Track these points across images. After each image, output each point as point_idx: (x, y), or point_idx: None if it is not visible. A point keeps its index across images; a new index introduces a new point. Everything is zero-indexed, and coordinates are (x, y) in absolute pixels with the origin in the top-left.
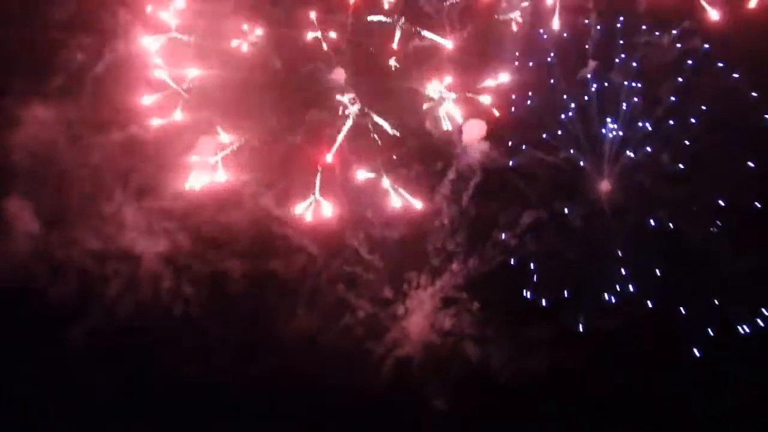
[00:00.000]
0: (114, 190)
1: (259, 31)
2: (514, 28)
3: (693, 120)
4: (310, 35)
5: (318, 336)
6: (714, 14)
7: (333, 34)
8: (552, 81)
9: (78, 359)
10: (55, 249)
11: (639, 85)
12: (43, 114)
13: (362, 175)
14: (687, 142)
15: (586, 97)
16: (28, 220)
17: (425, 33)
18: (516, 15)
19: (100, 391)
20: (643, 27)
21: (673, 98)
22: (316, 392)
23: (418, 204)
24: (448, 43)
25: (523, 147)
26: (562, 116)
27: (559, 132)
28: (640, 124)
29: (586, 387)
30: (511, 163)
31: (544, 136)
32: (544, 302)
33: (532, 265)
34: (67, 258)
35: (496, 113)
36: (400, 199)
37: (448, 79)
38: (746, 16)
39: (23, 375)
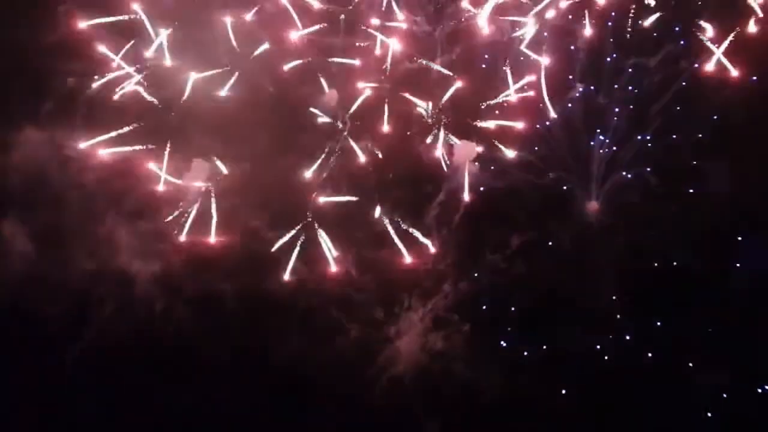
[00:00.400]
0: (107, 213)
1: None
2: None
3: (680, 139)
4: (303, 59)
5: (310, 357)
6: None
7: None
8: (541, 103)
9: (71, 381)
10: (48, 270)
11: (632, 97)
12: (36, 137)
13: (352, 198)
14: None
15: (575, 118)
16: (21, 242)
17: (431, 64)
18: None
19: (93, 412)
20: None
21: (661, 118)
22: (308, 413)
23: (431, 247)
24: (449, 72)
25: (513, 168)
26: (551, 137)
27: (548, 153)
28: (637, 137)
29: (577, 409)
30: (500, 184)
31: (533, 157)
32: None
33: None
34: (60, 279)
35: (510, 154)
36: (410, 242)
37: (441, 101)
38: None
39: (15, 397)
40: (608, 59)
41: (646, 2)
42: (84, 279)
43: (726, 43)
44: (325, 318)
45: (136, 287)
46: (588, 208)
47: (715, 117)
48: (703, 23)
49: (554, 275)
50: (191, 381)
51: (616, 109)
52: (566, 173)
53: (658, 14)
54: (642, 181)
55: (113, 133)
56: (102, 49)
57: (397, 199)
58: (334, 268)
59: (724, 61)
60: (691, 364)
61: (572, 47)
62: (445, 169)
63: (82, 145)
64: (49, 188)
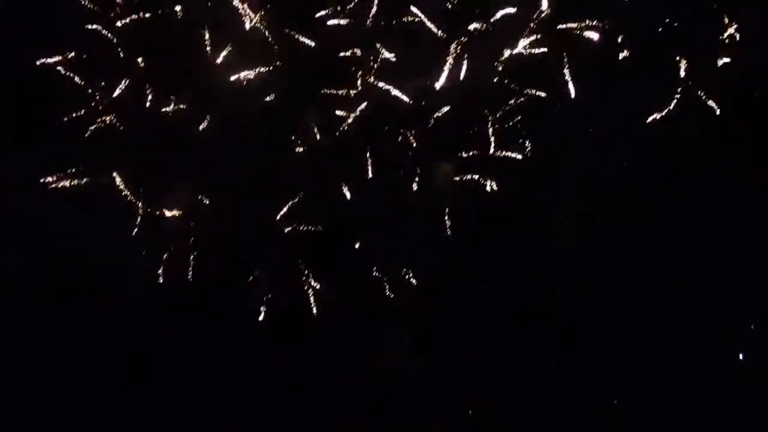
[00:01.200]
0: (87, 232)
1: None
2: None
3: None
4: (284, 88)
5: (297, 377)
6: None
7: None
8: (517, 129)
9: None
10: (36, 288)
11: (607, 122)
12: (9, 166)
13: (332, 227)
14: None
15: (551, 141)
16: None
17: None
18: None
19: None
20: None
21: (636, 143)
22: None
23: (412, 278)
24: (425, 101)
25: (492, 192)
26: (529, 161)
27: (527, 176)
28: (614, 160)
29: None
30: (479, 209)
31: (511, 180)
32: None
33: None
34: (47, 298)
35: (489, 179)
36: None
37: (420, 129)
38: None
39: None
40: (582, 87)
41: (614, 36)
42: (69, 298)
43: (698, 76)
44: (302, 342)
45: (122, 307)
46: (566, 228)
47: (691, 144)
48: (676, 56)
49: (535, 299)
50: (181, 399)
51: (590, 131)
52: (544, 195)
53: (629, 51)
54: (622, 203)
55: (88, 163)
56: (77, 80)
57: (376, 228)
58: (312, 298)
59: (699, 93)
60: None
61: (546, 75)
62: (425, 196)
63: (56, 175)
64: (20, 219)
